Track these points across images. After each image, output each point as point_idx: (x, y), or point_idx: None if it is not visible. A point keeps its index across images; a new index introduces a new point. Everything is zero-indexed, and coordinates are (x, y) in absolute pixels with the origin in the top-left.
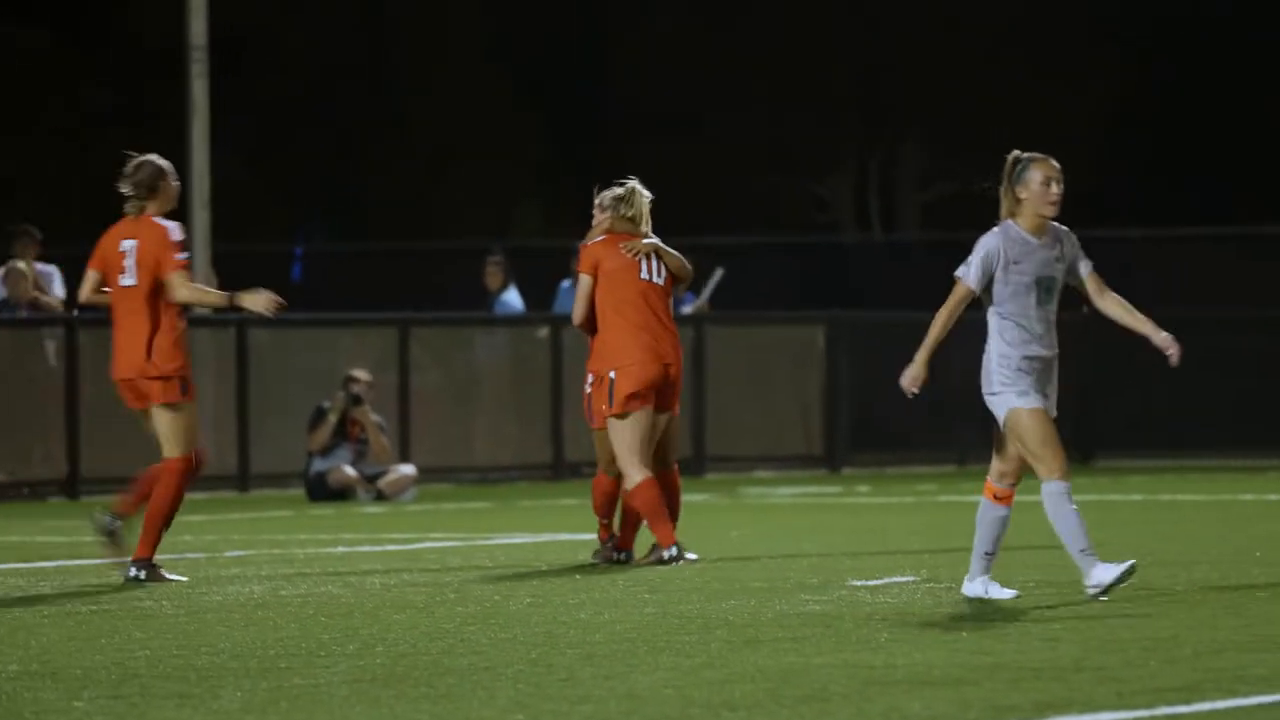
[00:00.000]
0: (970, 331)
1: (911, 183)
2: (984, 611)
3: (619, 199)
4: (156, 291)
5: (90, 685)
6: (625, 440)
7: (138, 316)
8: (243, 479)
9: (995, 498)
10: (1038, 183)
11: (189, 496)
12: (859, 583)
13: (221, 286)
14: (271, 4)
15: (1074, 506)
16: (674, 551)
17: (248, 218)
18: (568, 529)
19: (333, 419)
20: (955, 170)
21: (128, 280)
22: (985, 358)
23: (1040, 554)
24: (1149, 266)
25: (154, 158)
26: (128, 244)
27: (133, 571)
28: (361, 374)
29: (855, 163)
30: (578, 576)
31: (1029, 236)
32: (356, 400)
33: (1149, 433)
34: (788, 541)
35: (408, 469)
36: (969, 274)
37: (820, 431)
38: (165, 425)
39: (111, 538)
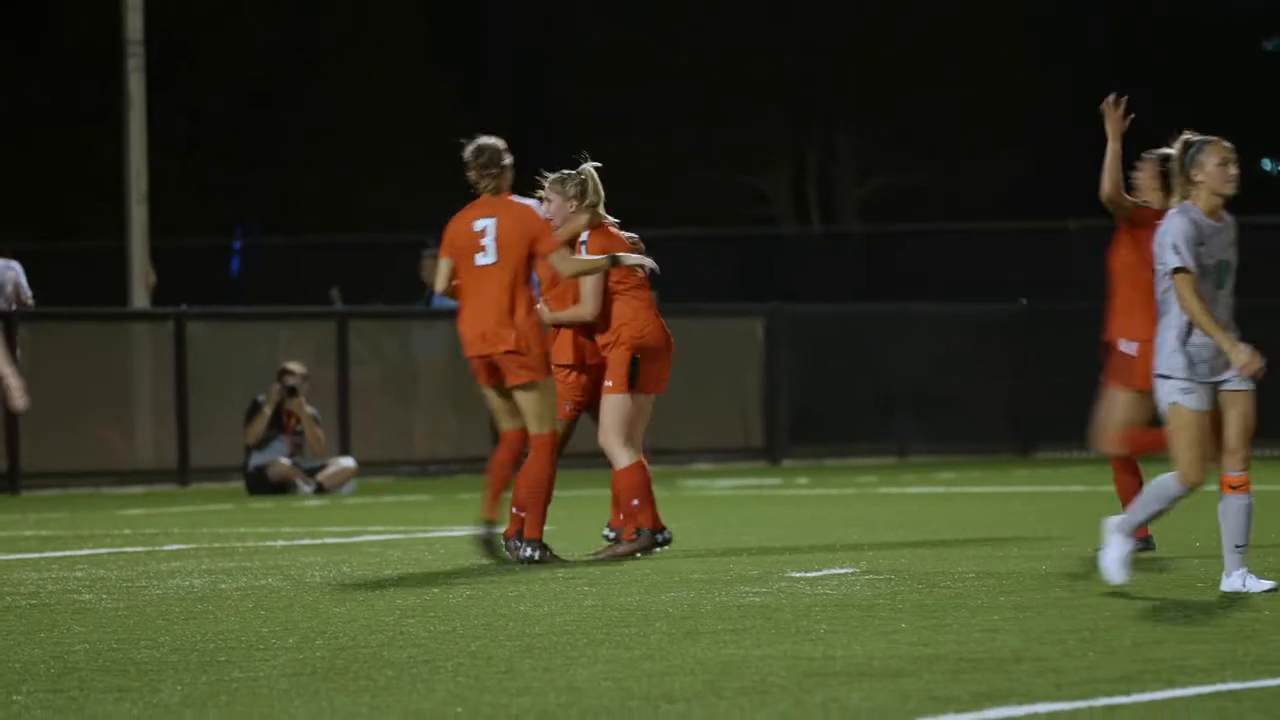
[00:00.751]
0: (906, 323)
1: (849, 176)
2: (923, 603)
3: (580, 186)
4: (517, 269)
5: (29, 679)
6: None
7: (498, 294)
8: (182, 472)
9: (1231, 488)
10: (1214, 164)
11: (129, 490)
12: (798, 574)
13: (160, 282)
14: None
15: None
16: (666, 535)
17: (185, 213)
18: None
19: (268, 411)
20: (890, 164)
21: (486, 259)
22: (1160, 339)
23: (978, 548)
24: (1085, 258)
25: (491, 139)
26: (484, 223)
27: (527, 552)
28: (296, 366)
29: (792, 156)
30: (517, 569)
31: (1207, 219)
32: (292, 392)
33: (1088, 424)
34: (727, 534)
35: (347, 462)
36: (1184, 259)
37: (760, 424)
38: (532, 403)
39: (490, 546)
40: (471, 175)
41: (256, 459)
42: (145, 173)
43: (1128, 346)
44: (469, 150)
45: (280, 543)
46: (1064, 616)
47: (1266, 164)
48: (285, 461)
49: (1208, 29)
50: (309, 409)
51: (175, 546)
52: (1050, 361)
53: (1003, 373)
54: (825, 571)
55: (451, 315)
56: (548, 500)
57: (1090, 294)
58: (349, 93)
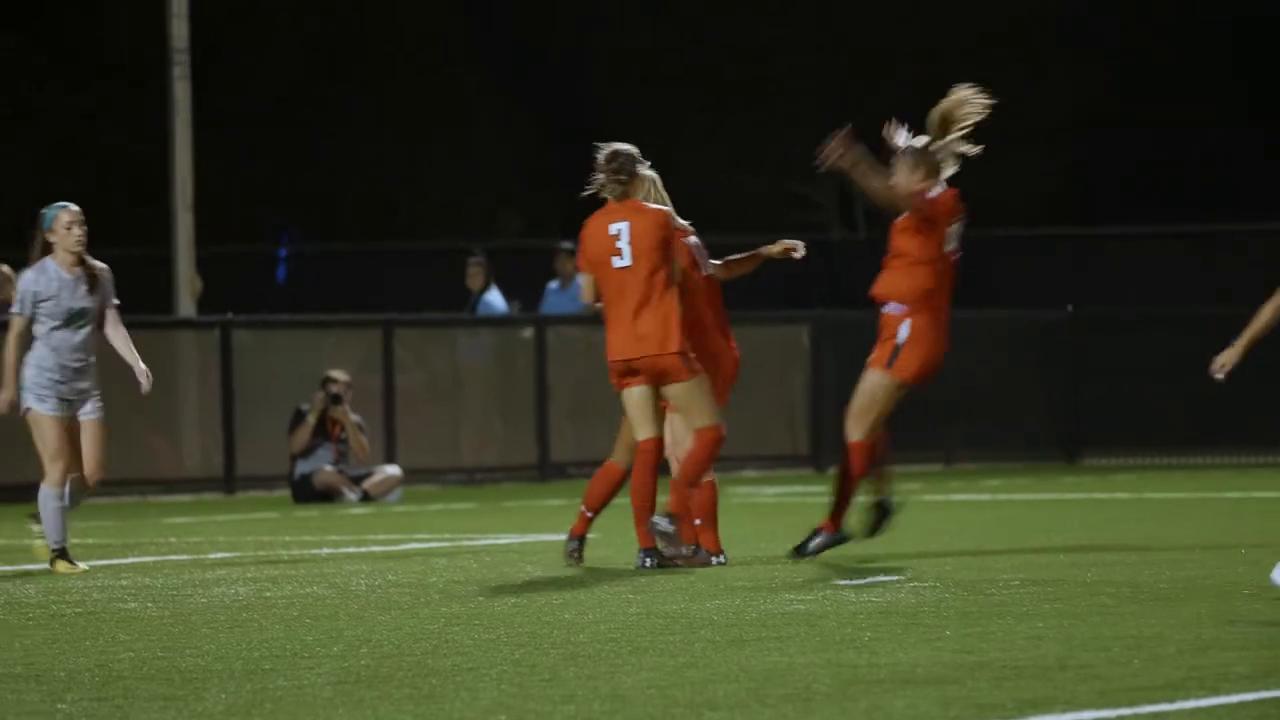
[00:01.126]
0: (953, 330)
1: None
2: (967, 610)
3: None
4: (655, 270)
5: (74, 687)
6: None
7: (639, 296)
8: (228, 481)
9: None
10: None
11: (175, 498)
12: (843, 582)
13: (205, 290)
14: (254, 6)
15: None
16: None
17: (232, 220)
18: (554, 529)
19: (312, 420)
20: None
21: (622, 262)
22: None
23: (1024, 556)
24: (1134, 264)
25: (625, 145)
26: (618, 226)
27: (719, 559)
28: (339, 374)
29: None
30: (563, 577)
31: None
32: (335, 400)
33: (1135, 431)
34: (773, 542)
35: (393, 470)
36: None
37: (806, 431)
38: (692, 398)
39: (669, 538)
40: (600, 179)
41: (302, 467)
42: (191, 180)
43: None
44: (603, 154)
45: (325, 551)
46: (1108, 624)
47: None
48: (331, 469)
49: (1249, 25)
50: (353, 416)
51: (221, 555)
52: (1097, 368)
53: (1049, 379)
54: (870, 579)
55: (495, 323)
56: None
57: (1138, 299)
58: (397, 100)
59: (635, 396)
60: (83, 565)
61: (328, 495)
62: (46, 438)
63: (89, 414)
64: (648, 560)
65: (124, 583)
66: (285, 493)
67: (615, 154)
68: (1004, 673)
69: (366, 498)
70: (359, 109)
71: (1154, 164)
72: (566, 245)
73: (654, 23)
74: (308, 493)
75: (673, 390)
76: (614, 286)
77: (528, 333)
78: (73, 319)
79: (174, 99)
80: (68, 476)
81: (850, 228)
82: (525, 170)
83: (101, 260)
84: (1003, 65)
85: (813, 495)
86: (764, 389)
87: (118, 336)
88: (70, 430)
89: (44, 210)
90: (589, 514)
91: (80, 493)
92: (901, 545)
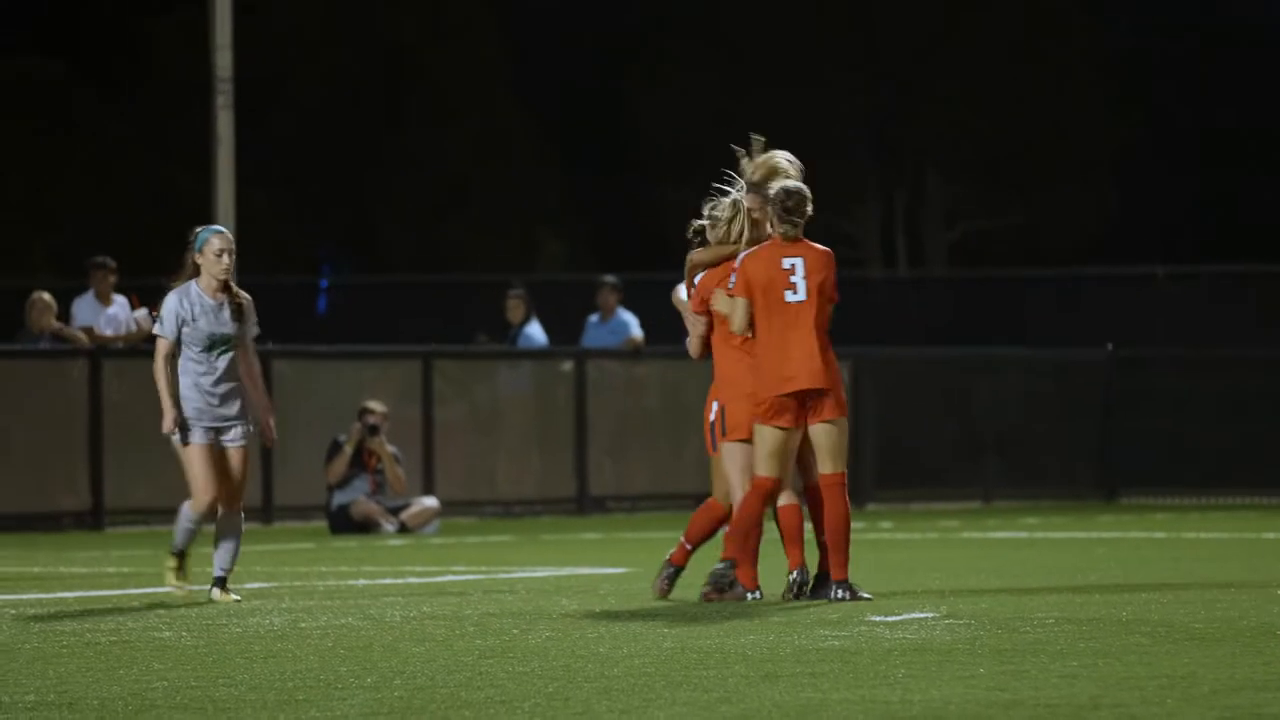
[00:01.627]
0: (992, 368)
1: (937, 220)
2: (1002, 648)
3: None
4: (822, 308)
5: (107, 715)
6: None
7: (806, 331)
8: (266, 511)
9: None
10: None
11: (210, 528)
12: (878, 618)
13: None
14: (299, 39)
15: None
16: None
17: (274, 250)
18: (590, 563)
19: (349, 450)
20: (979, 208)
21: (797, 297)
22: None
23: (1059, 594)
24: (1175, 304)
25: (800, 185)
26: (793, 261)
27: (837, 594)
28: (376, 405)
29: (881, 199)
30: (598, 610)
31: None
32: (373, 431)
33: (1174, 470)
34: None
35: (430, 501)
36: None
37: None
38: (833, 440)
39: (801, 590)
40: (770, 212)
41: (339, 498)
42: (234, 209)
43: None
44: (778, 191)
45: (362, 582)
46: (1143, 663)
47: None
48: (368, 500)
49: None
50: (390, 448)
51: (257, 585)
52: (1136, 407)
53: (1088, 418)
54: (905, 615)
55: (533, 355)
56: (847, 538)
57: (1177, 339)
58: (437, 133)
59: (781, 437)
60: (190, 587)
61: (365, 526)
62: (194, 469)
63: (234, 441)
64: (836, 592)
65: (159, 611)
66: (322, 523)
67: (792, 193)
68: (1038, 711)
69: (404, 529)
70: (403, 140)
71: (1196, 203)
72: (609, 279)
73: (697, 54)
74: (345, 523)
75: (821, 428)
76: (783, 319)
77: (568, 366)
78: (214, 345)
79: (217, 128)
80: (213, 509)
81: (890, 265)
82: (568, 203)
83: (139, 288)
84: (1047, 103)
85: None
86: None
87: (249, 371)
88: (219, 459)
89: (197, 230)
90: (689, 547)
91: (214, 519)
92: (937, 582)
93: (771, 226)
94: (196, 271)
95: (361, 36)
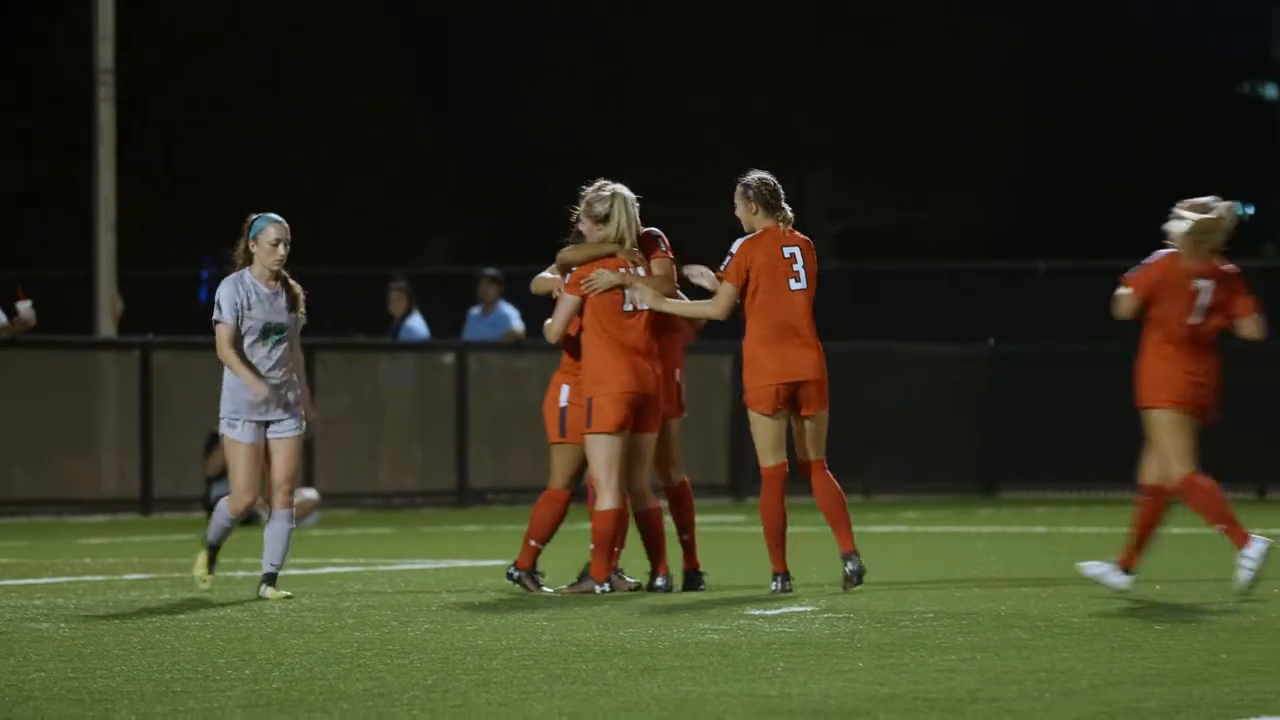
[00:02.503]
0: (872, 363)
1: (820, 216)
2: (881, 642)
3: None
4: (814, 298)
5: None
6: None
7: (807, 321)
8: (145, 502)
9: None
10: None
11: (91, 519)
12: (757, 612)
13: (127, 311)
14: (182, 31)
15: None
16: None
17: (154, 242)
18: (470, 555)
19: None
20: (861, 203)
21: (799, 285)
22: None
23: (939, 588)
24: (1056, 299)
25: (761, 175)
26: (793, 250)
27: (849, 567)
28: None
29: None
30: (477, 603)
31: None
32: None
33: (1054, 465)
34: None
35: (311, 493)
36: None
37: (725, 461)
38: (820, 430)
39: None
40: (751, 204)
41: (217, 489)
42: (114, 201)
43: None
44: (755, 181)
45: (240, 574)
46: (1022, 658)
47: (1237, 207)
48: None
49: (1180, 72)
50: None
51: (135, 576)
52: (1016, 402)
53: (969, 412)
54: (784, 609)
55: (415, 348)
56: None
57: (1058, 334)
58: (320, 125)
59: (780, 426)
60: (208, 580)
61: (245, 518)
62: (238, 467)
63: (288, 431)
64: (783, 584)
65: (37, 602)
66: (202, 514)
67: (767, 182)
68: (916, 705)
69: None
70: (287, 134)
71: (1076, 200)
72: (490, 272)
73: (582, 49)
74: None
75: (813, 419)
76: (785, 306)
77: (449, 358)
78: (267, 334)
79: (99, 120)
80: (248, 508)
81: None
82: (451, 198)
83: (19, 279)
84: (927, 103)
85: (730, 525)
86: (684, 419)
87: (298, 361)
88: (263, 454)
89: (252, 218)
90: (536, 544)
91: (263, 510)
92: (816, 576)
93: (753, 217)
94: (249, 259)
95: (246, 26)
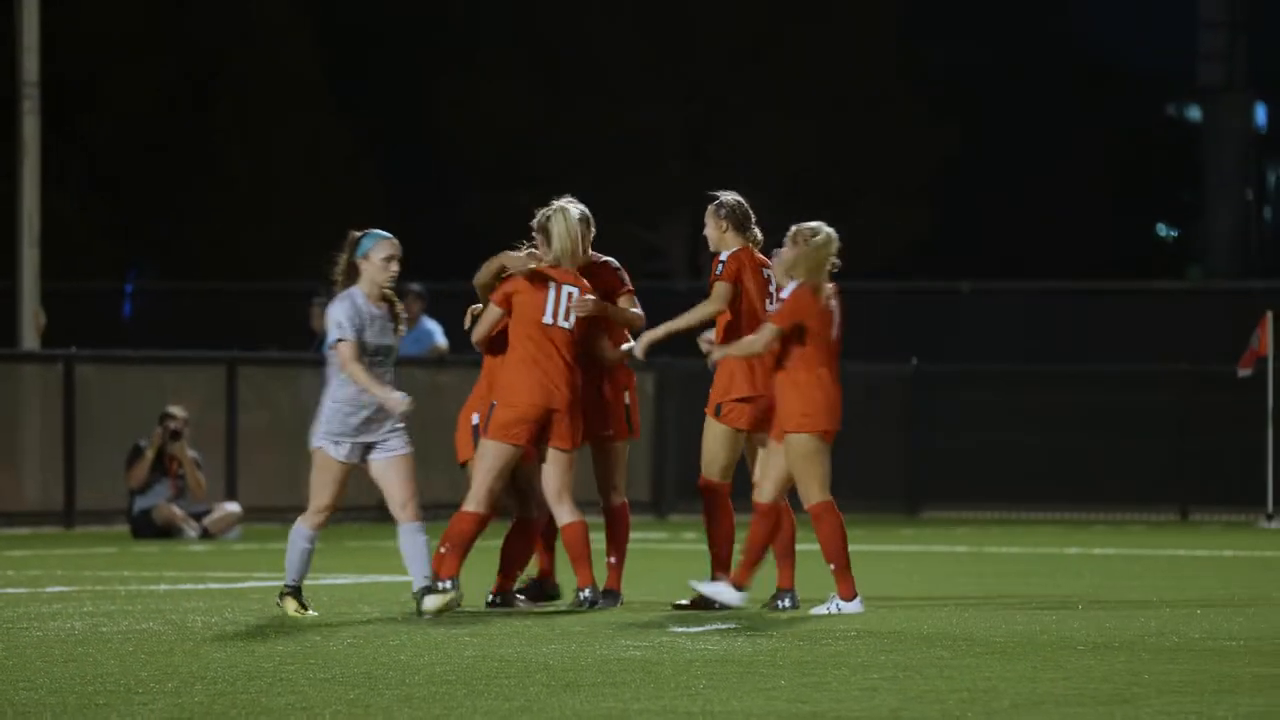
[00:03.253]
0: None
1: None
2: (803, 660)
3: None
4: None
5: None
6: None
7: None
8: (68, 515)
9: None
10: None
11: (14, 531)
12: (680, 629)
13: (50, 324)
14: (104, 45)
15: None
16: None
17: (78, 256)
18: (393, 570)
19: (150, 455)
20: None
21: (772, 308)
22: None
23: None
24: (980, 319)
25: (735, 195)
26: (769, 272)
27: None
28: (178, 410)
29: (689, 210)
30: (400, 619)
31: None
32: (174, 436)
33: (977, 485)
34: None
35: (233, 507)
36: None
37: (647, 478)
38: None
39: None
40: (723, 223)
41: (140, 503)
42: (38, 215)
43: None
44: (729, 202)
45: (163, 587)
46: (944, 677)
47: (1161, 229)
48: (174, 507)
49: (1107, 95)
50: (191, 452)
51: (58, 589)
52: (939, 421)
53: (892, 432)
54: (707, 626)
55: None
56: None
57: (981, 355)
58: (244, 140)
59: (740, 439)
60: (313, 611)
61: (167, 531)
62: (325, 483)
63: (398, 450)
64: (784, 601)
65: None
66: (125, 528)
67: (741, 203)
68: None
69: (206, 534)
70: (210, 149)
71: (1004, 221)
72: (414, 287)
73: (511, 62)
74: (147, 528)
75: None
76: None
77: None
78: (375, 355)
79: (23, 134)
80: (326, 522)
81: (696, 277)
82: (376, 210)
83: None
84: (860, 119)
85: (652, 542)
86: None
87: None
88: (349, 476)
89: (358, 234)
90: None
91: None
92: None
93: (722, 236)
94: (354, 275)
95: (171, 40)
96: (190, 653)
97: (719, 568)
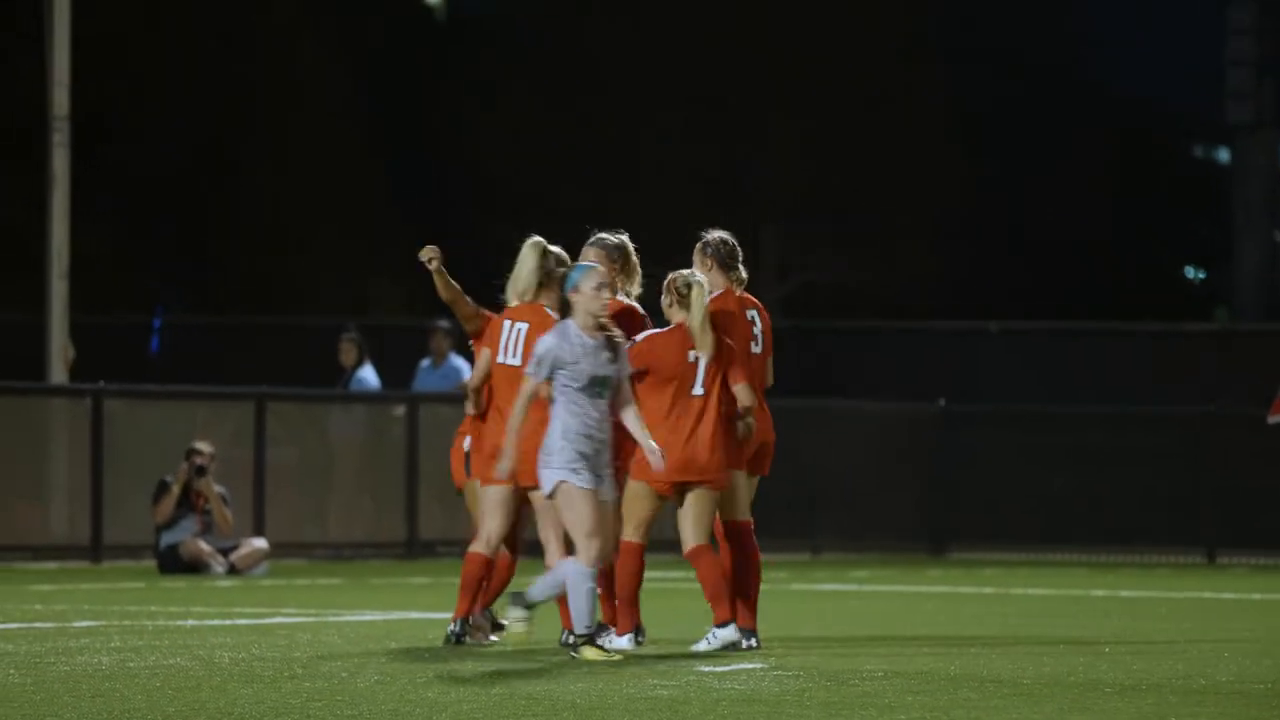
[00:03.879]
0: (823, 420)
1: (770, 271)
2: (830, 700)
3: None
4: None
5: None
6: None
7: (761, 387)
8: (95, 549)
9: None
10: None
11: (41, 565)
12: (707, 669)
13: (78, 358)
14: (133, 80)
15: None
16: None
17: (107, 288)
18: (419, 607)
19: (176, 491)
20: (812, 261)
21: (757, 349)
22: None
23: (888, 647)
24: (1004, 360)
25: (722, 234)
26: (752, 313)
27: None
28: (204, 446)
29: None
30: (427, 655)
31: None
32: (200, 472)
33: (1004, 526)
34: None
35: (260, 543)
36: None
37: (673, 517)
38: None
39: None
40: (707, 262)
41: (167, 538)
42: (67, 248)
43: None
44: (715, 240)
45: (190, 622)
46: (971, 718)
47: (1189, 271)
48: (201, 543)
49: (1134, 135)
50: (217, 488)
51: (85, 623)
52: (967, 462)
53: (919, 472)
54: (734, 666)
55: (366, 399)
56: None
57: (1009, 395)
58: (275, 175)
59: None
60: (616, 654)
61: (194, 567)
62: (581, 513)
63: (608, 495)
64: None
65: None
66: (152, 563)
67: (726, 242)
68: None
69: (233, 570)
70: (242, 182)
71: (1032, 262)
72: (442, 324)
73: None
74: (174, 563)
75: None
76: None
77: (400, 410)
78: (593, 386)
79: (53, 166)
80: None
81: None
82: (405, 246)
83: None
84: (887, 155)
85: (676, 581)
86: None
87: (629, 412)
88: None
89: (572, 266)
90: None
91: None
92: (767, 633)
93: (708, 274)
94: (566, 310)
95: (200, 75)
96: (217, 689)
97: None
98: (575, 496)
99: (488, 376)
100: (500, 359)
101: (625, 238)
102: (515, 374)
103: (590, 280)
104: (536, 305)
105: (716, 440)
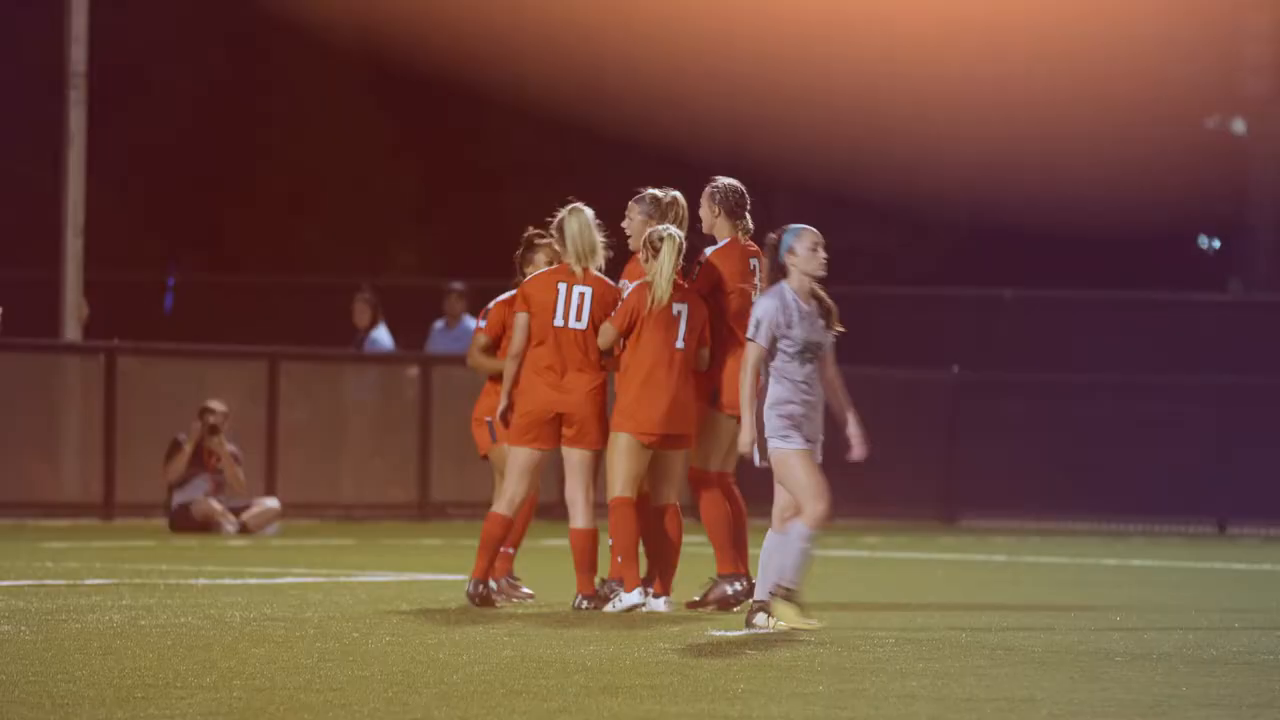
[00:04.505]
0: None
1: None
2: (841, 666)
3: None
4: None
5: None
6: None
7: None
8: (107, 507)
9: None
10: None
11: (53, 523)
12: (719, 633)
13: (92, 315)
14: (150, 35)
15: None
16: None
17: (121, 246)
18: (431, 569)
19: (188, 450)
20: (826, 225)
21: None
22: None
23: (900, 614)
24: (1020, 328)
25: (731, 180)
26: (755, 263)
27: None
28: (217, 405)
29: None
30: (438, 617)
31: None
32: (212, 431)
33: (1015, 494)
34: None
35: (272, 503)
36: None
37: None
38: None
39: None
40: (715, 208)
41: (179, 497)
42: (82, 205)
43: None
44: (725, 186)
45: (202, 581)
46: (982, 685)
47: (1203, 241)
48: (209, 500)
49: (1148, 104)
50: (230, 447)
51: (96, 581)
52: (980, 429)
53: (932, 439)
54: (746, 630)
55: (379, 360)
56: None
57: (1022, 363)
58: (289, 134)
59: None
60: (816, 622)
61: (205, 526)
62: (801, 475)
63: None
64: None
65: None
66: (163, 521)
67: (736, 188)
68: None
69: (244, 529)
70: (254, 140)
71: (1045, 229)
72: (456, 286)
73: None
74: (185, 522)
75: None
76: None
77: (413, 371)
78: (805, 351)
79: (69, 124)
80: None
81: None
82: (420, 208)
83: None
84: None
85: (692, 545)
86: None
87: (834, 380)
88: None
89: (780, 233)
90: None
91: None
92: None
93: (714, 220)
94: (781, 273)
95: (218, 32)
96: (229, 648)
97: (725, 558)
98: (792, 460)
99: (528, 341)
100: (558, 322)
101: (678, 194)
102: (578, 337)
103: (805, 241)
104: (590, 271)
105: (692, 395)
